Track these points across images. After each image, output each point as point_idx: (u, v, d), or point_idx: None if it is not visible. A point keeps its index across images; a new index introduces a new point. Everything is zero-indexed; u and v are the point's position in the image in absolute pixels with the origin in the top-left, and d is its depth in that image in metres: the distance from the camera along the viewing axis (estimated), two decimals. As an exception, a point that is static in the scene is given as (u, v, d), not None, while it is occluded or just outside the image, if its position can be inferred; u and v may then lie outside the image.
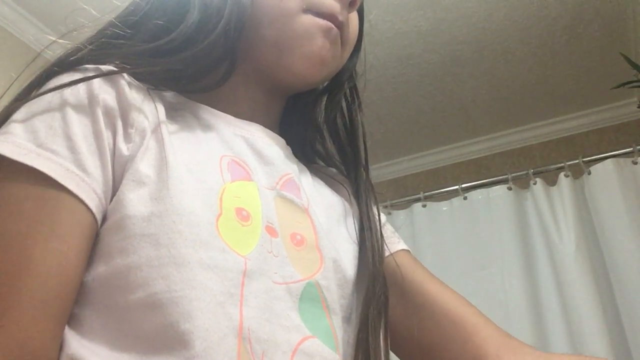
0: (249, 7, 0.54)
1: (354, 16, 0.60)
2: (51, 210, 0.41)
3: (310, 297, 0.49)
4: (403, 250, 0.65)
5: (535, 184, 2.04)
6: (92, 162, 0.43)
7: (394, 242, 0.64)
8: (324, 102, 0.67)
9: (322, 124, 0.67)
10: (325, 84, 0.66)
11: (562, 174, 2.01)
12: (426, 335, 0.59)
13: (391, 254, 0.63)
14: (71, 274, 0.41)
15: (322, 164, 0.69)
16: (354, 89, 0.67)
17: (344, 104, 0.66)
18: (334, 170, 0.68)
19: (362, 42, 0.66)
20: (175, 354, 0.39)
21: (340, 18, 0.56)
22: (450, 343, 0.58)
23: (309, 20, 0.55)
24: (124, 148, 0.46)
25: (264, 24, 0.55)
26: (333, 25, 0.56)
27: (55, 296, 0.40)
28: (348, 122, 0.66)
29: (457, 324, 0.58)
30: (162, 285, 0.41)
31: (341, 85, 0.65)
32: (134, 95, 0.48)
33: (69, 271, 0.41)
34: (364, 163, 0.65)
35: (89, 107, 0.45)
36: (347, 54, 0.61)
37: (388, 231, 0.65)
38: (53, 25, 2.00)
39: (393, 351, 0.59)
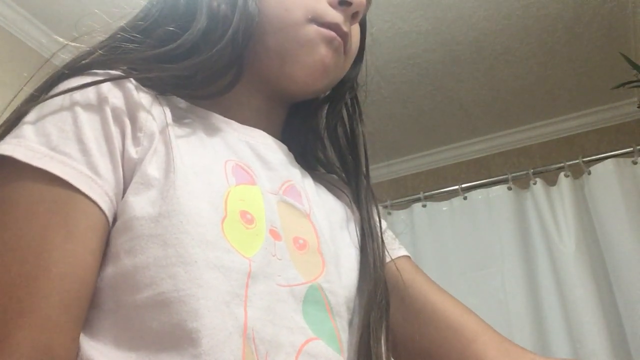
0: (256, 16, 0.55)
1: (355, 28, 0.62)
2: (66, 213, 0.42)
3: (313, 299, 0.50)
4: (404, 256, 0.66)
5: (535, 184, 2.04)
6: (103, 165, 0.44)
7: (394, 248, 0.65)
8: (325, 111, 0.68)
9: (323, 132, 0.68)
10: (327, 93, 0.67)
11: (562, 174, 2.01)
12: (426, 341, 0.59)
13: (392, 260, 0.63)
14: (87, 276, 0.42)
15: (323, 170, 0.69)
16: (355, 99, 0.68)
17: (344, 114, 0.68)
18: (334, 176, 0.69)
19: (364, 54, 0.67)
20: (183, 352, 0.40)
21: (344, 29, 0.58)
22: (449, 349, 0.58)
23: (313, 30, 0.56)
24: (132, 151, 0.46)
25: (269, 32, 0.56)
26: (336, 35, 0.57)
27: (73, 298, 0.41)
28: (349, 132, 0.67)
29: (457, 331, 0.58)
30: (169, 284, 0.41)
31: (342, 95, 0.67)
32: (142, 99, 0.49)
33: (86, 273, 0.42)
34: (364, 171, 0.66)
35: (98, 109, 0.46)
36: (348, 65, 0.63)
37: (389, 237, 0.66)
38: (56, 28, 2.00)
39: (393, 356, 0.59)
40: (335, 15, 0.57)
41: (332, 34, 0.57)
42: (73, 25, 0.55)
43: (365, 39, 0.67)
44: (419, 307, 0.60)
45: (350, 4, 0.57)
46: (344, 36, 0.58)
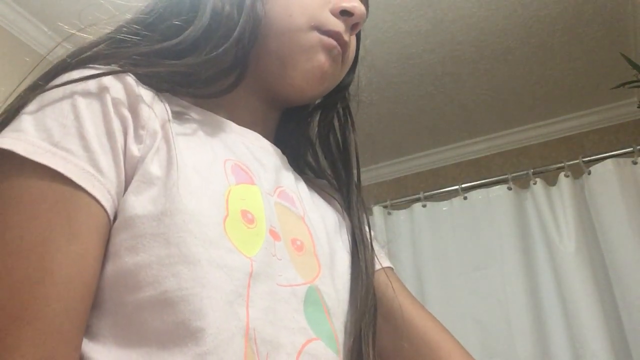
0: (262, 18, 0.56)
1: (352, 38, 0.63)
2: (68, 212, 0.41)
3: (312, 300, 0.50)
4: (389, 267, 0.67)
5: (535, 184, 2.04)
6: (105, 162, 0.43)
7: (381, 258, 0.66)
8: (317, 118, 0.69)
9: (315, 138, 0.69)
10: (319, 100, 0.68)
11: (562, 174, 2.01)
12: (400, 354, 0.60)
13: (382, 268, 0.64)
14: (90, 278, 0.41)
15: (312, 175, 0.70)
16: (347, 109, 0.69)
17: (336, 123, 0.69)
18: (324, 182, 0.69)
19: (357, 66, 0.68)
20: (186, 350, 0.40)
21: (345, 38, 0.59)
22: None
23: (315, 37, 0.57)
24: (134, 149, 0.46)
25: (272, 36, 0.57)
26: (337, 44, 0.58)
27: (77, 302, 0.40)
28: (341, 142, 0.68)
29: (432, 350, 0.60)
30: (172, 283, 0.41)
31: (334, 103, 0.68)
32: (143, 95, 0.48)
33: (89, 275, 0.41)
34: (356, 180, 0.67)
35: (99, 103, 0.45)
36: (344, 73, 0.64)
37: (376, 246, 0.67)
38: (56, 28, 2.00)
39: None
40: (337, 24, 0.58)
41: (333, 42, 0.58)
42: (73, 24, 0.55)
43: (359, 50, 0.68)
44: (397, 321, 0.61)
45: (352, 14, 0.59)
46: (344, 45, 0.59)
